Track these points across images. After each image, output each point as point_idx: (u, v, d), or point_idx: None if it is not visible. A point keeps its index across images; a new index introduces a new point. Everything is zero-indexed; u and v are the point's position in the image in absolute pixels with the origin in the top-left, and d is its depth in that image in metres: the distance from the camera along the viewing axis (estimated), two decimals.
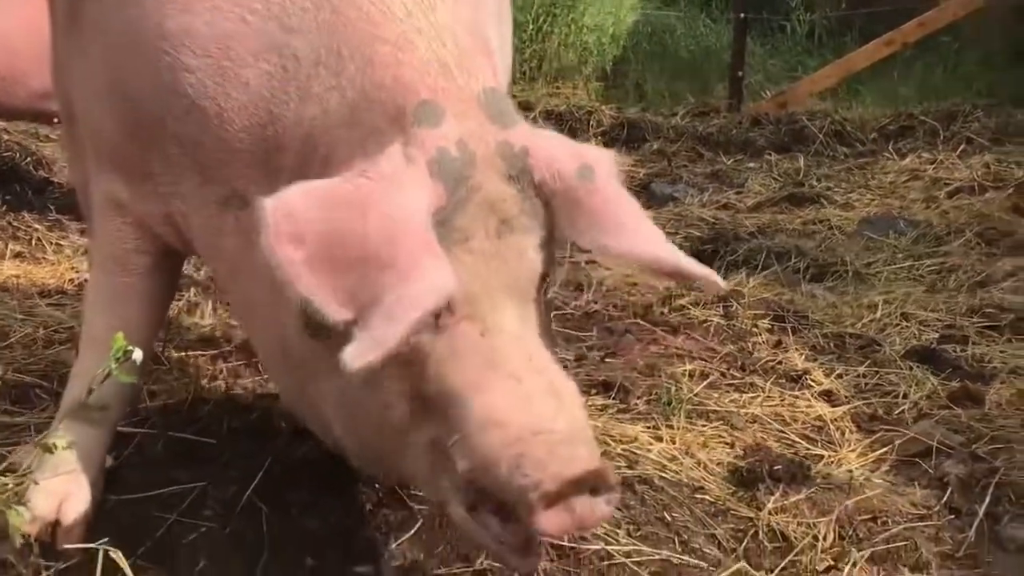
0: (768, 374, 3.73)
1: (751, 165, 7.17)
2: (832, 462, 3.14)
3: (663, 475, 2.95)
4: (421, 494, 2.63)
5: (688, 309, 4.30)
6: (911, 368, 3.79)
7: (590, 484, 1.81)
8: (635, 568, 2.59)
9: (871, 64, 8.86)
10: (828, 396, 3.62)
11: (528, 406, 1.84)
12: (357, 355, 1.70)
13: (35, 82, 4.96)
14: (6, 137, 6.04)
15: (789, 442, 3.26)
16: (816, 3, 11.50)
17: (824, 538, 2.77)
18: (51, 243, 4.79)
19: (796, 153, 7.31)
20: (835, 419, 3.41)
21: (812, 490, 2.94)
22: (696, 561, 2.66)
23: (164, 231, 2.36)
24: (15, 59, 5.01)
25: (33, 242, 4.80)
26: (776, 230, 5.60)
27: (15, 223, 4.99)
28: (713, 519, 2.83)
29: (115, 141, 2.31)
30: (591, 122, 8.11)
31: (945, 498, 2.98)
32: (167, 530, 2.49)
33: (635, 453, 3.03)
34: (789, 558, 2.69)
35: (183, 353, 3.38)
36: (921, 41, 8.93)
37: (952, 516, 2.93)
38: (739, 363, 3.80)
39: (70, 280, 4.23)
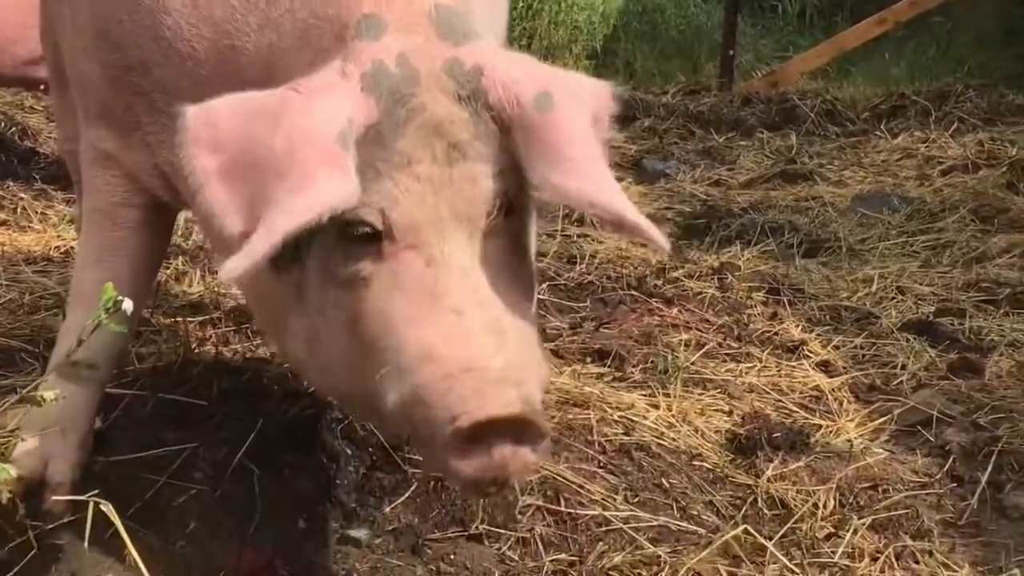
0: (764, 344, 3.70)
1: (743, 143, 7.09)
2: (831, 431, 3.11)
3: (660, 442, 2.91)
4: (416, 457, 2.59)
5: (682, 281, 4.26)
6: (908, 340, 3.76)
7: (514, 429, 1.69)
8: (633, 534, 2.56)
9: (862, 44, 8.80)
10: (825, 366, 3.58)
11: (465, 341, 1.72)
12: (231, 266, 1.63)
13: (21, 49, 4.94)
14: None
15: (787, 411, 3.22)
16: None
17: (824, 506, 2.74)
18: (36, 212, 4.73)
19: (788, 131, 7.25)
20: (833, 389, 3.38)
21: (811, 458, 2.92)
22: (694, 527, 2.63)
23: (153, 183, 2.32)
24: (0, 27, 4.97)
25: (18, 211, 4.74)
26: (769, 206, 5.55)
27: (0, 192, 4.94)
28: (711, 486, 2.79)
29: (103, 92, 2.28)
30: None
31: (947, 466, 2.95)
32: (157, 492, 2.44)
33: (632, 420, 2.99)
34: (789, 525, 2.66)
35: (172, 319, 3.33)
36: (913, 20, 8.87)
37: (954, 484, 2.91)
38: (735, 333, 3.77)
39: (56, 248, 4.18)
